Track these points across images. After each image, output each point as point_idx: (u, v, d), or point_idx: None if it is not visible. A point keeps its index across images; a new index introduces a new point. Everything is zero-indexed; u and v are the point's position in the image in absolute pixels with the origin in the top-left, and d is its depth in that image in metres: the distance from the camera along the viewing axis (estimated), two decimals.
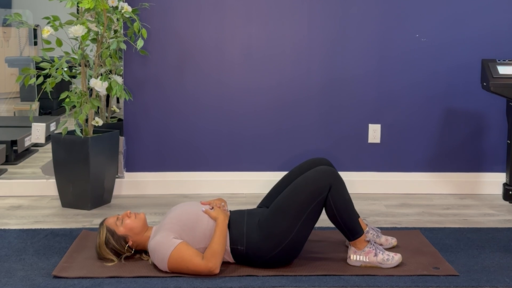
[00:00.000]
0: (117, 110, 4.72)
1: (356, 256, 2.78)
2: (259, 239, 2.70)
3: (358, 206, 3.35)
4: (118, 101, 5.25)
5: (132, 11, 3.59)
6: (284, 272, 2.70)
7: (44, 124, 4.25)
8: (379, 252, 2.77)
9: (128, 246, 2.76)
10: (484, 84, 3.75)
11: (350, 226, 2.75)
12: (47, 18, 3.56)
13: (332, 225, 2.79)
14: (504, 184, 3.95)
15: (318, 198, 2.69)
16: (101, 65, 3.75)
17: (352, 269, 2.75)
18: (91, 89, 3.70)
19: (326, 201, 2.71)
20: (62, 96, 3.63)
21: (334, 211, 2.71)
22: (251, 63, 4.05)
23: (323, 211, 2.75)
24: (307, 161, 3.05)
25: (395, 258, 2.78)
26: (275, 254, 2.69)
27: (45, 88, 3.60)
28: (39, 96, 3.84)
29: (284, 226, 2.68)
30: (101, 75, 3.65)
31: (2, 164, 4.52)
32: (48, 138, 4.43)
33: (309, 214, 2.69)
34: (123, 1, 3.68)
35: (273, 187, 3.07)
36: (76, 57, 3.63)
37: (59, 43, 3.53)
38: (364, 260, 2.77)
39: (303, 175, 2.80)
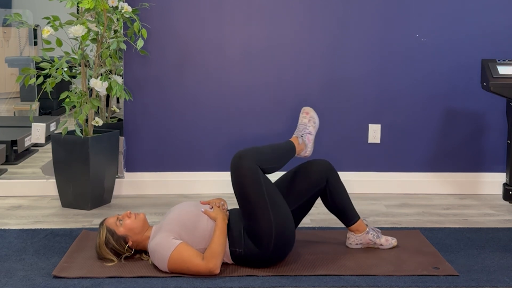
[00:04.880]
0: (117, 110, 4.72)
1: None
2: (253, 245, 2.70)
3: (358, 206, 3.34)
4: (118, 101, 5.26)
5: (132, 11, 3.59)
6: (284, 272, 2.70)
7: (44, 124, 4.24)
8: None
9: (128, 246, 2.76)
10: (484, 84, 3.74)
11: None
12: (47, 18, 3.56)
13: (332, 225, 2.80)
14: (504, 184, 3.95)
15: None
16: (101, 65, 3.75)
17: (352, 269, 2.75)
18: (91, 89, 3.70)
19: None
20: (62, 96, 3.63)
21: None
22: (251, 63, 4.05)
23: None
24: (305, 163, 3.03)
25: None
26: (271, 251, 2.68)
27: (45, 88, 3.60)
28: (39, 96, 3.84)
29: (263, 223, 2.66)
30: (101, 75, 3.65)
31: (2, 164, 4.52)
32: (48, 138, 4.43)
33: (269, 197, 2.69)
34: (123, 1, 3.68)
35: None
36: (76, 57, 3.63)
37: (59, 43, 3.52)
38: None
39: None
